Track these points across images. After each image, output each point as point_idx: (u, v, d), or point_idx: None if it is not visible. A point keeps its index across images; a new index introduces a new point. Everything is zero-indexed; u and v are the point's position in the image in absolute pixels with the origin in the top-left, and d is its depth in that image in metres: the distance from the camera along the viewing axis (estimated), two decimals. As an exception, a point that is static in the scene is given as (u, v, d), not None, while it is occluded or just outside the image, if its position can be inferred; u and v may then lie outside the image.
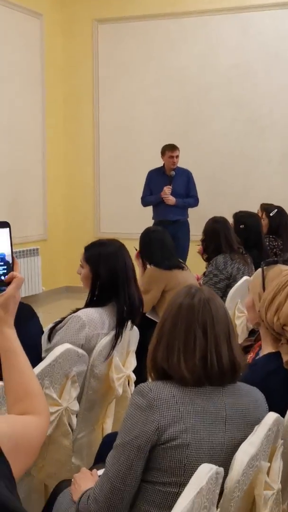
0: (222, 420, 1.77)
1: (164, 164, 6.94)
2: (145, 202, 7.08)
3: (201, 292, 1.86)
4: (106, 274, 2.80)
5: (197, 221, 6.70)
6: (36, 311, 2.78)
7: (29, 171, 7.71)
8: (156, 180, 6.98)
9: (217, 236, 4.46)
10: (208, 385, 1.79)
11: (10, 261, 1.41)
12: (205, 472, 1.47)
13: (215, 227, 4.51)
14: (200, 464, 1.54)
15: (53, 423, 2.38)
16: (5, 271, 1.40)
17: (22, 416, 1.25)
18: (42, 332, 2.87)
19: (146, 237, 4.27)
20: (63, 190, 8.47)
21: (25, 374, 1.32)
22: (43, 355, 2.70)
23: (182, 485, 1.68)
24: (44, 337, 2.84)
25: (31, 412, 1.26)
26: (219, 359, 1.78)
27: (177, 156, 6.86)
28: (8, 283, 1.39)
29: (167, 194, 6.76)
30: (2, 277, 1.40)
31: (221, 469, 1.56)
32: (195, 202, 6.99)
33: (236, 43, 7.51)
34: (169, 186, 6.79)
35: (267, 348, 2.27)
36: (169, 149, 6.86)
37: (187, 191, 6.96)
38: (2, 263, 1.40)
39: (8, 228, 1.41)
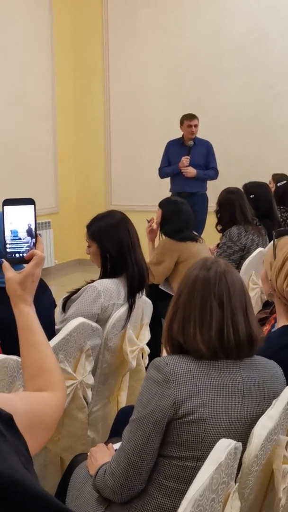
0: (240, 394, 1.74)
1: (183, 135, 6.74)
2: (162, 173, 6.85)
3: (217, 264, 1.82)
4: (113, 246, 2.79)
5: (210, 190, 6.65)
6: (49, 284, 2.77)
7: (40, 143, 7.64)
8: (174, 150, 6.73)
9: (231, 206, 4.40)
10: (225, 358, 1.75)
11: (34, 239, 1.39)
12: (224, 447, 1.45)
13: (229, 197, 4.45)
14: (218, 439, 1.52)
15: (68, 397, 2.38)
16: (28, 248, 1.38)
17: (38, 393, 1.24)
18: (55, 305, 2.86)
19: (162, 208, 4.23)
20: (74, 162, 8.41)
21: (41, 351, 1.31)
22: (57, 326, 2.70)
23: (199, 459, 1.67)
24: (59, 308, 2.84)
25: (47, 388, 1.25)
26: (235, 331, 1.75)
27: (195, 126, 6.63)
28: (28, 261, 1.37)
29: (185, 164, 6.53)
30: (24, 254, 1.38)
31: (240, 444, 1.53)
32: (215, 175, 6.74)
33: (249, 9, 7.35)
34: (187, 157, 6.54)
35: (281, 320, 2.25)
36: (187, 119, 6.65)
37: (206, 163, 6.70)
38: (25, 240, 1.39)
39: (33, 205, 1.39)
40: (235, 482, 1.56)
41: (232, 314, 1.75)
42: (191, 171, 6.52)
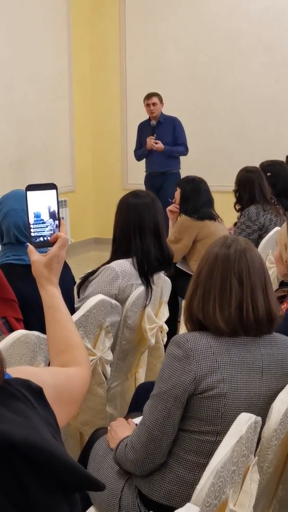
0: (259, 370, 1.76)
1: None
2: (136, 155, 6.88)
3: (237, 242, 1.83)
4: (119, 224, 2.83)
5: (226, 167, 6.61)
6: (64, 263, 2.79)
7: (56, 121, 7.64)
8: (143, 131, 6.75)
9: (251, 185, 4.38)
10: (244, 335, 1.77)
11: (57, 222, 1.43)
12: (244, 421, 1.48)
13: (249, 176, 4.43)
14: (237, 414, 1.55)
15: (89, 361, 2.41)
16: (51, 231, 1.43)
17: (65, 368, 1.27)
18: (74, 282, 2.89)
19: (182, 187, 4.22)
20: (90, 140, 8.40)
21: (67, 328, 1.36)
22: (76, 305, 2.73)
23: (219, 433, 1.70)
24: (76, 288, 2.86)
25: (72, 363, 1.29)
26: (255, 308, 1.76)
27: (154, 104, 6.58)
28: (53, 243, 1.42)
29: (150, 144, 6.49)
30: (48, 237, 1.43)
31: (259, 418, 1.56)
32: (184, 150, 6.62)
33: (268, -15, 7.26)
34: (151, 137, 6.51)
35: None
36: (145, 98, 6.68)
37: (174, 139, 6.61)
38: (48, 223, 1.43)
39: (55, 190, 1.43)
40: (255, 455, 1.59)
41: (251, 291, 1.77)
42: (159, 146, 6.45)
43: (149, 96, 6.63)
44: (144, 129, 6.75)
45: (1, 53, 6.62)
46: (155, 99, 6.58)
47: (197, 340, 1.73)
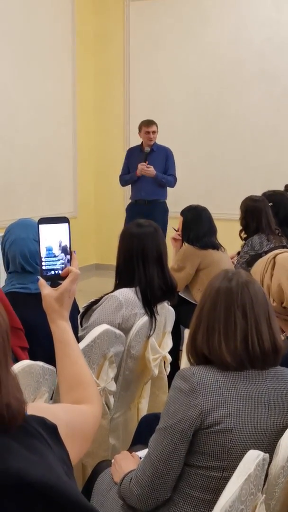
0: (266, 404, 1.75)
1: (142, 142, 6.59)
2: (122, 181, 6.68)
3: (239, 275, 1.84)
4: (122, 254, 2.82)
5: (227, 195, 6.62)
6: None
7: (60, 147, 7.68)
8: (133, 157, 6.56)
9: (259, 214, 4.38)
10: (251, 368, 1.77)
11: (68, 255, 1.43)
12: (253, 458, 1.46)
13: (256, 205, 4.43)
14: (244, 449, 1.54)
15: (100, 399, 2.39)
16: (63, 265, 1.43)
17: (77, 405, 1.27)
18: (78, 311, 2.88)
19: (183, 215, 4.23)
20: (93, 166, 8.44)
21: (77, 364, 1.36)
22: (80, 333, 2.72)
23: (225, 469, 1.68)
24: (79, 317, 2.85)
25: (84, 401, 1.29)
26: (260, 340, 1.76)
27: (153, 132, 6.44)
28: (64, 277, 1.42)
29: (141, 169, 6.30)
30: (60, 271, 1.42)
31: (267, 455, 1.54)
32: (173, 182, 6.47)
33: (270, 16, 7.35)
34: (144, 163, 6.31)
35: None
36: (145, 125, 6.48)
37: (164, 170, 6.44)
38: (60, 257, 1.43)
39: (67, 223, 1.44)
40: (262, 493, 1.57)
41: (256, 323, 1.77)
42: (151, 171, 6.29)
43: (149, 123, 6.50)
44: (134, 155, 6.56)
45: (6, 79, 6.68)
46: (155, 127, 6.48)
47: (204, 374, 1.72)
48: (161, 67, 7.92)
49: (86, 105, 8.17)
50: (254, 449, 1.56)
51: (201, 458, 1.71)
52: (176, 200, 6.37)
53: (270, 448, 1.68)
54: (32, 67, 7.04)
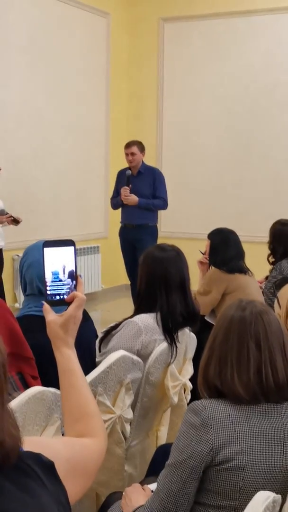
0: (280, 441, 1.67)
1: None
2: (112, 204, 6.43)
3: (253, 304, 1.78)
4: (144, 279, 2.76)
5: (258, 217, 6.54)
6: (95, 309, 2.77)
7: (92, 169, 7.72)
8: (119, 179, 6.29)
9: (286, 239, 4.32)
10: (265, 402, 1.69)
11: (74, 281, 1.39)
12: (262, 500, 1.39)
13: (284, 229, 4.37)
14: (257, 488, 1.46)
15: (106, 431, 2.34)
16: (68, 290, 1.38)
17: (80, 438, 1.23)
18: (96, 336, 2.83)
19: (211, 238, 4.18)
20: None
21: (82, 395, 1.31)
22: (97, 359, 2.67)
23: (237, 509, 1.61)
24: (97, 343, 2.80)
25: (88, 434, 1.24)
26: (274, 372, 1.69)
27: (132, 154, 6.09)
28: (69, 303, 1.37)
29: (123, 194, 6.01)
30: (64, 296, 1.38)
31: (279, 497, 1.47)
32: (163, 204, 6.19)
33: (305, 39, 7.32)
34: (126, 187, 6.00)
35: None
36: (124, 147, 6.19)
37: (153, 192, 6.14)
38: (65, 282, 1.38)
39: (73, 247, 1.39)
40: (273, 536, 1.49)
41: (270, 355, 1.70)
42: (132, 199, 6.00)
43: (128, 145, 6.17)
44: (122, 177, 6.25)
45: (40, 102, 6.76)
46: (134, 149, 6.11)
47: (215, 407, 1.65)
48: (195, 90, 7.93)
49: (119, 127, 8.21)
50: (268, 488, 1.49)
51: (212, 497, 1.64)
52: (206, 225, 6.31)
53: (284, 487, 1.60)
54: (66, 90, 7.12)
